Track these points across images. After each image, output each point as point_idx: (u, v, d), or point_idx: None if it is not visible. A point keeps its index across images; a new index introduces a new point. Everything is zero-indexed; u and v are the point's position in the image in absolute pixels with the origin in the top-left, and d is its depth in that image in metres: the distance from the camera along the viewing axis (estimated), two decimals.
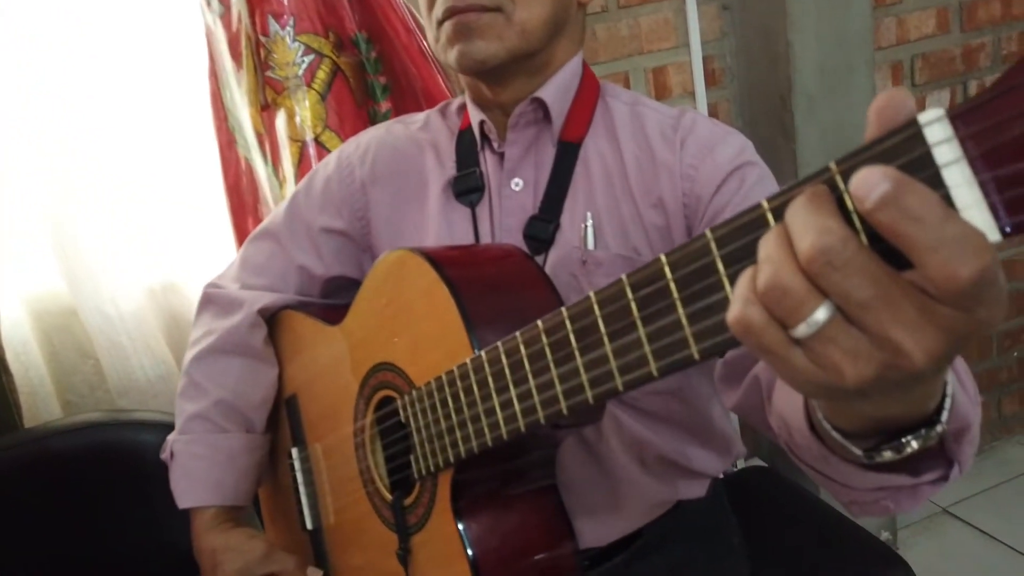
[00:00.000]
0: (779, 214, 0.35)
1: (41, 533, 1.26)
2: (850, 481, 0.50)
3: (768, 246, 0.34)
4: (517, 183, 0.84)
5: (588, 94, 0.86)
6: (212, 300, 0.97)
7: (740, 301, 0.35)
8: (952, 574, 1.86)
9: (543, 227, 0.81)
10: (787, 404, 0.53)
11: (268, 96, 1.21)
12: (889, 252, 0.32)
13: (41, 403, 1.37)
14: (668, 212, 0.79)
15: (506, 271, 0.70)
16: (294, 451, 0.92)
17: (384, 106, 1.29)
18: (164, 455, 0.92)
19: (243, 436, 0.91)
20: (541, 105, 0.83)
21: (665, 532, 0.86)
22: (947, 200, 0.31)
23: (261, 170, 1.28)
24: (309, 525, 0.90)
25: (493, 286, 0.68)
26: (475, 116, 0.87)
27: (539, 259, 0.81)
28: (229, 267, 1.00)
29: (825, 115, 1.64)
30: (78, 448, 1.29)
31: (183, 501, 0.89)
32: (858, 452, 0.43)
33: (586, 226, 0.80)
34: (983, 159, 0.30)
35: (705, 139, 0.80)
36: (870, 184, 0.30)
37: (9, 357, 1.28)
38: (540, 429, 0.54)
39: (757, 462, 1.99)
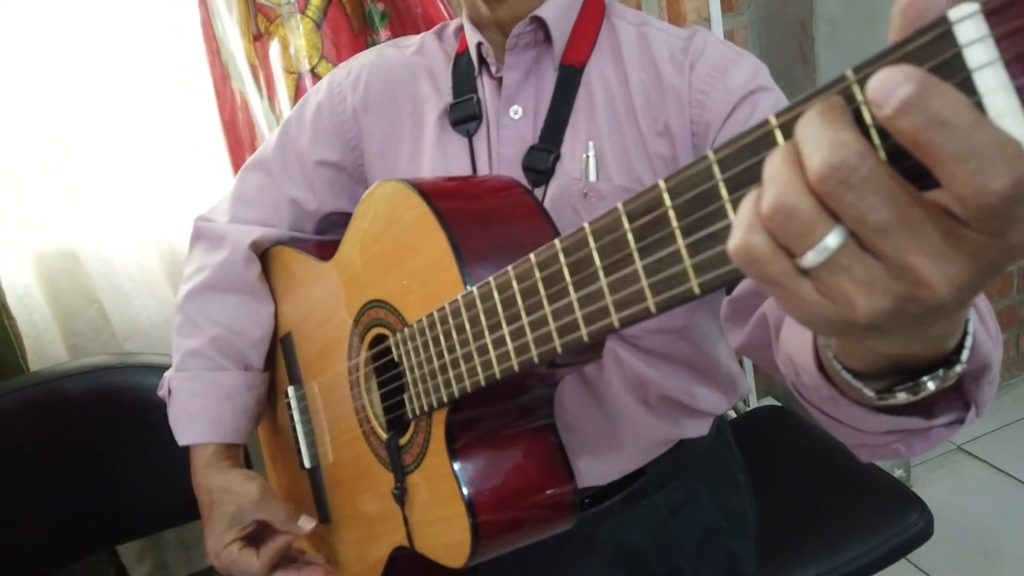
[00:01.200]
0: (788, 131, 0.31)
1: (50, 475, 1.27)
2: (860, 424, 0.47)
3: (774, 165, 0.30)
4: (516, 111, 0.79)
5: (592, 14, 0.80)
6: (202, 234, 0.94)
7: (742, 227, 0.31)
8: (967, 511, 1.85)
9: (543, 158, 0.77)
10: (795, 343, 0.50)
11: (261, 25, 1.16)
12: (911, 170, 0.28)
13: (46, 347, 1.36)
14: (675, 141, 0.75)
15: (501, 204, 0.67)
16: (290, 390, 0.91)
17: (383, 34, 1.24)
18: (162, 392, 0.91)
19: (241, 374, 0.90)
20: (541, 25, 0.78)
21: (667, 470, 0.84)
22: (979, 107, 0.27)
23: (257, 105, 1.24)
24: (307, 464, 0.89)
25: (487, 220, 0.64)
26: (472, 38, 0.81)
27: (538, 192, 0.77)
28: (221, 201, 0.97)
29: (848, 42, 1.57)
30: (87, 390, 1.29)
31: (182, 438, 0.88)
32: (870, 394, 0.40)
33: (588, 156, 0.75)
34: (1021, 61, 0.26)
35: (716, 62, 0.74)
36: (890, 86, 0.26)
37: (11, 300, 1.27)
38: (535, 368, 0.52)
39: (770, 401, 1.98)
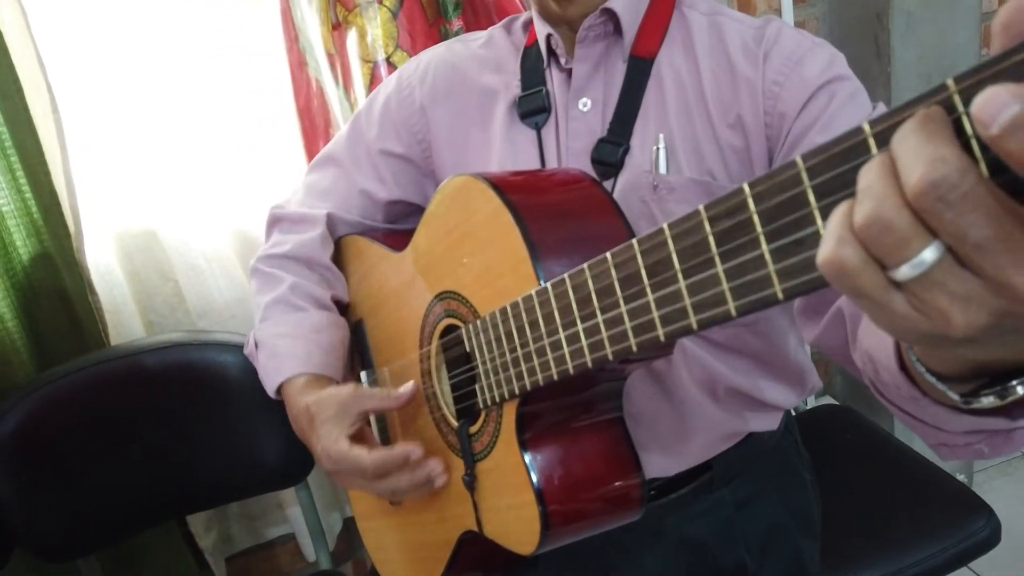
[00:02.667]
0: (883, 140, 0.31)
1: (127, 445, 1.32)
2: (942, 423, 0.47)
3: (869, 176, 0.30)
4: (585, 103, 0.79)
5: (663, 4, 0.79)
6: (280, 218, 0.97)
7: (833, 238, 0.31)
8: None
9: (612, 150, 0.77)
10: (875, 341, 0.50)
11: (339, 14, 1.19)
12: (1012, 183, 0.28)
13: (125, 322, 1.43)
14: (747, 132, 0.74)
15: (573, 198, 0.67)
16: (363, 375, 0.93)
17: (456, 24, 1.25)
18: (248, 349, 0.92)
19: (323, 312, 0.90)
20: (612, 17, 0.78)
21: (734, 465, 0.84)
22: None
23: (332, 92, 1.26)
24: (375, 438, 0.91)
25: (560, 214, 0.65)
26: (541, 30, 0.82)
27: (607, 184, 0.77)
28: (293, 193, 1.00)
29: (925, 35, 1.52)
30: (163, 366, 1.34)
31: (274, 379, 0.86)
32: (955, 397, 0.40)
33: (658, 148, 0.75)
34: None
35: (791, 51, 0.73)
36: (997, 105, 0.26)
37: (94, 278, 1.33)
38: (608, 364, 0.52)
39: (828, 400, 1.94)
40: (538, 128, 0.81)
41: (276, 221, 0.98)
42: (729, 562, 0.85)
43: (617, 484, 0.67)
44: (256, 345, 0.90)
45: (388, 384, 0.89)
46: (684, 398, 0.79)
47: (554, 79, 0.82)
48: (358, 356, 0.95)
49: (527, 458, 0.65)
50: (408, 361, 0.84)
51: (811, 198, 0.34)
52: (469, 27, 1.27)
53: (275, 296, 0.90)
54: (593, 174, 0.77)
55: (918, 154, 0.28)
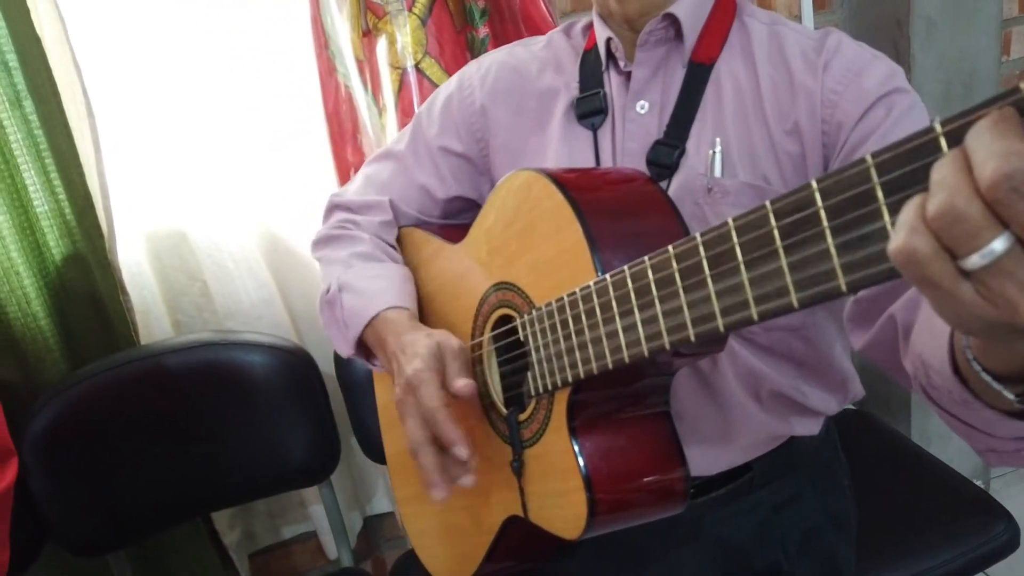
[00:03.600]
0: (954, 139, 0.33)
1: (155, 443, 1.34)
2: (992, 428, 0.48)
3: (943, 170, 0.32)
4: (643, 105, 0.81)
5: (724, 12, 0.81)
6: (340, 205, 1.00)
7: (905, 229, 0.33)
8: None
9: (667, 152, 0.78)
10: (928, 344, 0.51)
11: (369, 21, 1.21)
12: None
13: (154, 322, 1.45)
14: (804, 139, 0.75)
15: (631, 195, 0.69)
16: None
17: (482, 31, 1.27)
18: (328, 295, 0.91)
19: (401, 266, 0.92)
20: (674, 22, 0.79)
21: (775, 467, 0.85)
22: None
23: (361, 98, 1.29)
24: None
25: (618, 210, 0.67)
26: (601, 34, 0.83)
27: (662, 185, 0.78)
28: (351, 184, 1.02)
29: (945, 41, 1.54)
30: (191, 365, 1.36)
31: (368, 311, 0.85)
32: (1010, 396, 0.41)
33: (714, 152, 0.76)
34: None
35: (851, 61, 0.74)
36: None
37: (125, 278, 1.35)
38: (662, 355, 0.54)
39: (847, 406, 1.95)
40: (594, 129, 0.83)
41: (336, 208, 1.00)
42: (764, 563, 0.86)
43: (662, 476, 0.69)
44: (340, 288, 0.89)
45: None
46: (728, 399, 0.81)
47: (612, 82, 0.84)
48: None
49: (576, 445, 0.67)
50: None
51: (879, 194, 0.36)
52: (495, 34, 1.29)
53: (360, 250, 0.92)
54: (642, 171, 0.78)
55: (991, 149, 0.30)
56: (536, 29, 1.24)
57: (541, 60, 0.90)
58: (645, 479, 0.68)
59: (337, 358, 1.43)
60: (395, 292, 0.87)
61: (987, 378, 0.42)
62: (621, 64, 0.83)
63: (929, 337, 0.52)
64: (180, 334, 1.48)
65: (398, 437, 1.04)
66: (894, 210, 0.35)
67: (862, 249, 0.37)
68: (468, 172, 0.94)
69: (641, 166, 0.80)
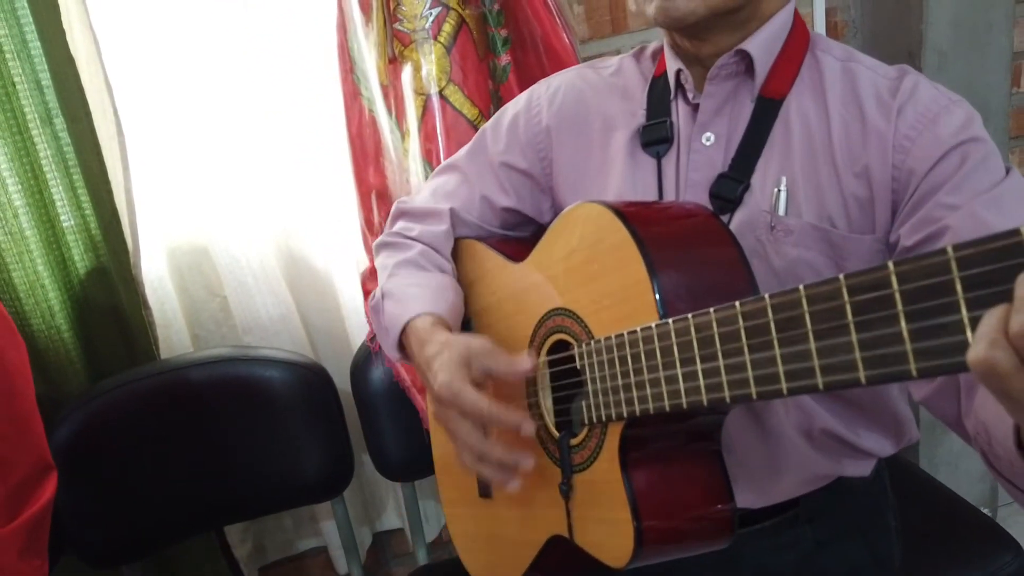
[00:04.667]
0: None
1: (173, 456, 1.34)
2: None
3: None
4: (709, 137, 0.80)
5: (797, 46, 0.79)
6: (406, 211, 1.01)
7: (986, 341, 0.33)
8: None
9: (732, 186, 0.77)
10: (993, 415, 0.52)
11: (396, 49, 1.23)
12: None
13: (174, 336, 1.46)
14: (873, 184, 0.73)
15: (697, 233, 0.70)
16: None
17: (504, 59, 1.29)
18: (373, 303, 0.94)
19: (448, 276, 0.94)
20: (745, 57, 0.78)
21: (822, 506, 0.85)
22: None
23: (384, 122, 1.30)
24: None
25: (682, 248, 0.68)
26: (672, 65, 0.83)
27: (723, 219, 0.77)
28: (419, 193, 1.03)
29: (957, 74, 1.56)
30: (210, 380, 1.37)
31: (402, 319, 0.87)
32: None
33: (779, 190, 0.75)
34: None
35: (926, 107, 0.73)
36: None
37: (147, 292, 1.36)
38: (723, 406, 0.56)
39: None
40: (659, 157, 0.82)
41: (402, 214, 1.01)
42: None
43: (710, 513, 0.71)
44: (383, 296, 0.93)
45: (491, 384, 0.92)
46: (779, 435, 0.80)
47: (680, 112, 0.83)
48: None
49: (628, 478, 0.68)
50: None
51: (958, 288, 0.38)
52: (517, 62, 1.31)
53: (405, 258, 0.94)
54: (710, 207, 0.78)
55: None
56: (557, 58, 1.26)
57: (610, 85, 0.91)
58: (692, 515, 0.70)
59: (353, 374, 1.44)
60: (429, 299, 0.88)
61: None
62: (690, 95, 0.82)
63: (995, 408, 0.52)
64: (199, 348, 1.50)
65: (444, 440, 1.05)
66: (973, 305, 0.37)
67: (936, 338, 0.39)
68: (529, 188, 0.95)
69: (704, 198, 0.80)
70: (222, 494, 1.40)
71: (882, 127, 0.73)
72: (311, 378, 1.39)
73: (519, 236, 0.98)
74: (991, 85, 1.58)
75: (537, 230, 0.89)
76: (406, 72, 1.24)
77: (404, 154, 1.31)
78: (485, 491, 0.94)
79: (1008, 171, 0.70)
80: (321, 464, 1.42)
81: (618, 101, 0.89)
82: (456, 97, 1.26)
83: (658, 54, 0.88)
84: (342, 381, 1.45)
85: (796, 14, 0.82)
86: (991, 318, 0.34)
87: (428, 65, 1.22)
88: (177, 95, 1.34)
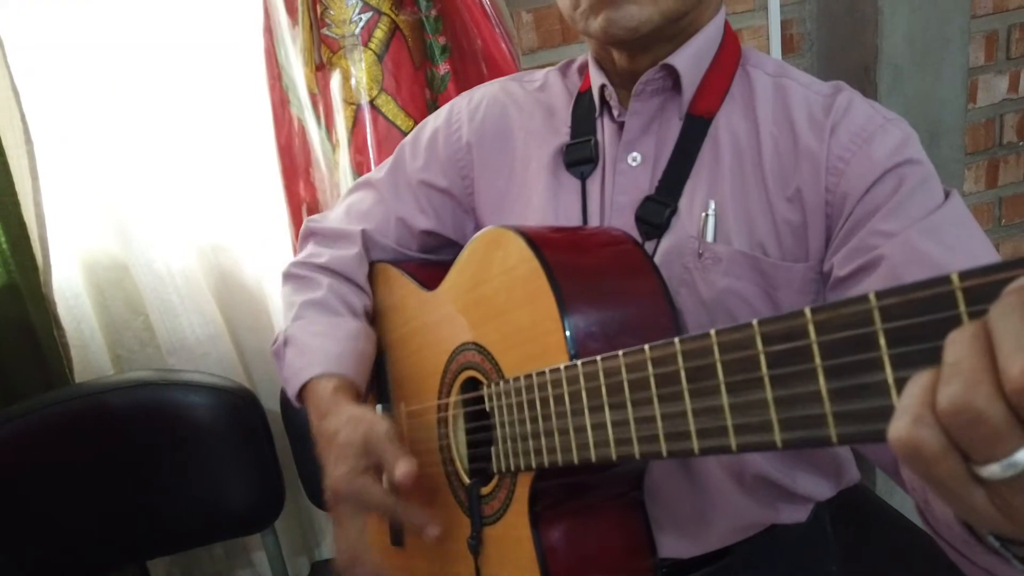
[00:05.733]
0: (973, 299, 0.29)
1: (89, 488, 1.27)
2: (995, 569, 0.45)
3: (958, 350, 0.27)
4: (635, 158, 0.75)
5: (727, 61, 0.75)
6: (315, 232, 0.95)
7: (910, 416, 0.28)
8: None
9: (658, 210, 0.73)
10: None
11: (323, 55, 1.16)
12: None
13: (92, 357, 1.37)
14: (806, 208, 0.69)
15: (614, 264, 0.64)
16: (379, 407, 0.89)
17: (442, 68, 1.23)
18: (275, 346, 0.89)
19: (357, 321, 0.88)
20: (671, 73, 0.74)
21: (755, 554, 0.80)
22: None
23: (314, 132, 1.23)
24: (385, 485, 0.88)
25: (598, 282, 0.62)
26: (596, 79, 0.78)
27: (649, 245, 0.73)
28: (332, 211, 0.98)
29: (912, 89, 1.54)
30: (129, 406, 1.29)
31: (302, 376, 0.81)
32: (1019, 567, 0.37)
33: (707, 215, 0.71)
34: None
35: (861, 126, 0.68)
36: None
37: (61, 311, 1.27)
38: (634, 462, 0.50)
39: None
40: (583, 178, 0.78)
41: (311, 234, 0.95)
42: None
43: (629, 570, 0.65)
44: (285, 342, 0.86)
45: (403, 424, 0.87)
46: (708, 481, 0.75)
47: (605, 130, 0.79)
48: (375, 386, 0.92)
49: (538, 535, 0.62)
50: (426, 407, 0.81)
51: (882, 342, 0.32)
52: (456, 72, 1.25)
53: (312, 298, 0.87)
54: (636, 232, 0.73)
55: (1022, 337, 0.25)
56: (497, 67, 1.20)
57: (534, 100, 0.86)
58: (609, 573, 0.64)
59: (284, 397, 1.37)
60: (333, 355, 0.82)
61: (994, 542, 0.37)
62: (615, 112, 0.78)
63: None
64: (121, 370, 1.42)
65: None
66: (898, 363, 0.31)
67: (858, 400, 0.33)
68: (451, 208, 0.89)
69: (630, 222, 0.75)
70: (143, 527, 1.33)
71: (815, 147, 0.69)
72: (238, 403, 1.32)
73: (439, 260, 0.92)
74: (946, 101, 1.56)
75: (458, 254, 0.83)
76: (335, 80, 1.17)
77: (335, 166, 1.24)
78: (397, 538, 0.88)
79: (947, 195, 0.66)
80: (249, 495, 1.36)
81: (542, 118, 0.84)
82: (389, 107, 1.20)
83: (585, 68, 0.84)
84: (275, 404, 1.39)
85: (727, 27, 0.77)
86: (915, 387, 0.28)
87: (358, 73, 1.16)
88: (93, 100, 1.25)
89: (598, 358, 0.52)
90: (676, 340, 0.44)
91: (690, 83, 0.74)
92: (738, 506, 0.76)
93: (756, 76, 0.75)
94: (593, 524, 0.65)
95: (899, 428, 0.28)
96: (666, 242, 0.72)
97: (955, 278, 0.29)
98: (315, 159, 1.24)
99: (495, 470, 0.67)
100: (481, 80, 1.18)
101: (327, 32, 1.15)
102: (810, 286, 0.71)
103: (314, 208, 1.26)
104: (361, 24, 1.14)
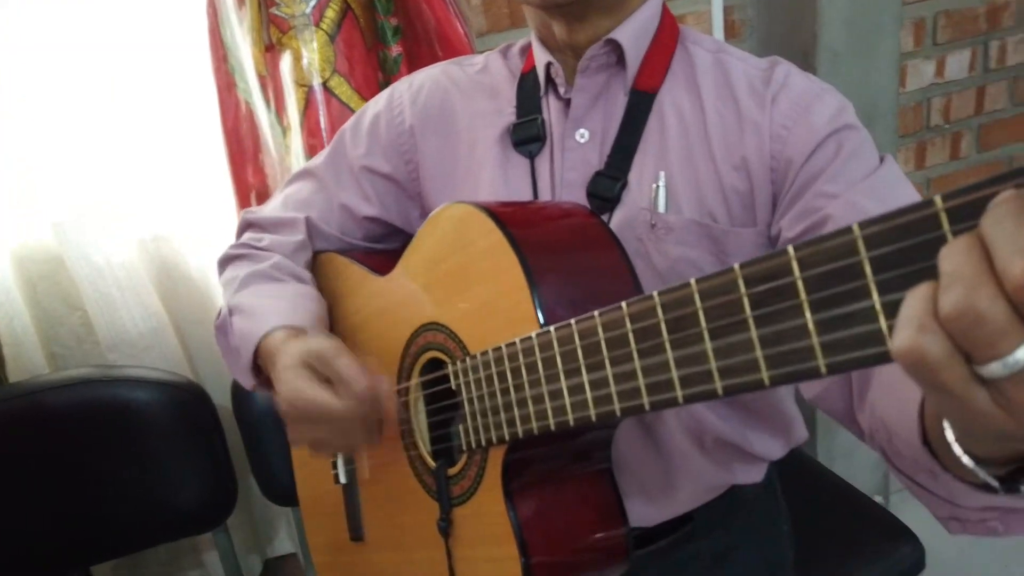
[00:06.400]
0: (957, 217, 0.30)
1: (27, 491, 1.22)
2: (957, 499, 0.46)
3: (956, 260, 0.28)
4: (582, 134, 0.77)
5: (667, 38, 0.77)
6: (253, 223, 0.92)
7: (912, 326, 0.29)
8: (942, 540, 1.88)
9: (609, 184, 0.74)
10: (894, 411, 0.49)
11: (273, 36, 1.13)
12: None
13: (26, 355, 1.30)
14: (752, 176, 0.72)
15: (576, 235, 0.64)
16: None
17: (395, 50, 1.21)
18: (219, 321, 0.85)
19: (305, 285, 0.86)
20: (616, 48, 0.75)
21: (715, 517, 0.83)
22: None
23: (263, 116, 1.20)
24: (343, 479, 0.85)
25: (562, 252, 0.62)
26: (541, 57, 0.79)
27: (603, 219, 0.74)
28: (268, 203, 0.95)
29: (849, 74, 1.58)
30: (68, 405, 1.24)
31: (254, 336, 0.78)
32: (994, 484, 0.38)
33: (657, 186, 0.72)
34: None
35: (800, 95, 0.71)
36: None
37: None
38: (613, 420, 0.50)
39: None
40: (532, 157, 0.78)
41: (249, 225, 0.92)
42: None
43: (603, 538, 0.65)
44: (231, 311, 0.83)
45: None
46: (671, 447, 0.77)
47: (551, 108, 0.79)
48: None
49: (513, 508, 0.61)
50: None
51: (867, 269, 0.33)
52: (409, 53, 1.23)
53: (257, 269, 0.85)
54: (588, 207, 0.74)
55: (1019, 241, 0.26)
56: (452, 49, 1.19)
57: (476, 83, 0.86)
58: (585, 543, 0.64)
59: (235, 391, 1.33)
60: (286, 310, 0.79)
61: (968, 461, 0.38)
62: (561, 90, 0.79)
63: (894, 404, 0.49)
64: (56, 368, 1.36)
65: (310, 479, 0.96)
66: (885, 289, 0.32)
67: (845, 329, 0.34)
68: (395, 195, 0.88)
69: (581, 198, 0.76)
70: (88, 531, 1.28)
71: (758, 117, 0.72)
72: (186, 398, 1.29)
73: (386, 249, 0.91)
74: (881, 85, 1.61)
75: (406, 242, 0.82)
76: (285, 61, 1.15)
77: (286, 150, 1.21)
78: (357, 533, 0.86)
79: (882, 159, 0.70)
80: (200, 493, 1.32)
81: (486, 99, 0.84)
82: (342, 89, 1.17)
83: (525, 51, 0.85)
84: (223, 398, 1.34)
85: (665, 8, 0.80)
86: (915, 299, 0.30)
87: (310, 54, 1.13)
88: (23, 80, 1.20)
89: (572, 321, 0.52)
90: (655, 293, 0.44)
91: (634, 58, 0.76)
92: (700, 469, 0.78)
93: (696, 53, 0.77)
94: (566, 495, 0.64)
95: (904, 339, 0.29)
96: (618, 215, 0.74)
97: (938, 200, 0.30)
98: (264, 144, 1.21)
99: (464, 448, 0.66)
100: (436, 62, 1.17)
101: (276, 12, 1.12)
102: (759, 251, 0.73)
103: (264, 194, 1.23)
104: (312, 3, 1.12)
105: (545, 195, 0.78)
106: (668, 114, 0.75)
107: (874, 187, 0.66)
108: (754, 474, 0.83)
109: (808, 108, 0.70)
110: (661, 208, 0.72)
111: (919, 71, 1.87)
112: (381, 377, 0.68)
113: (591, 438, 0.65)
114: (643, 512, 0.78)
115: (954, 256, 0.28)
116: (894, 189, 0.67)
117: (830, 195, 0.67)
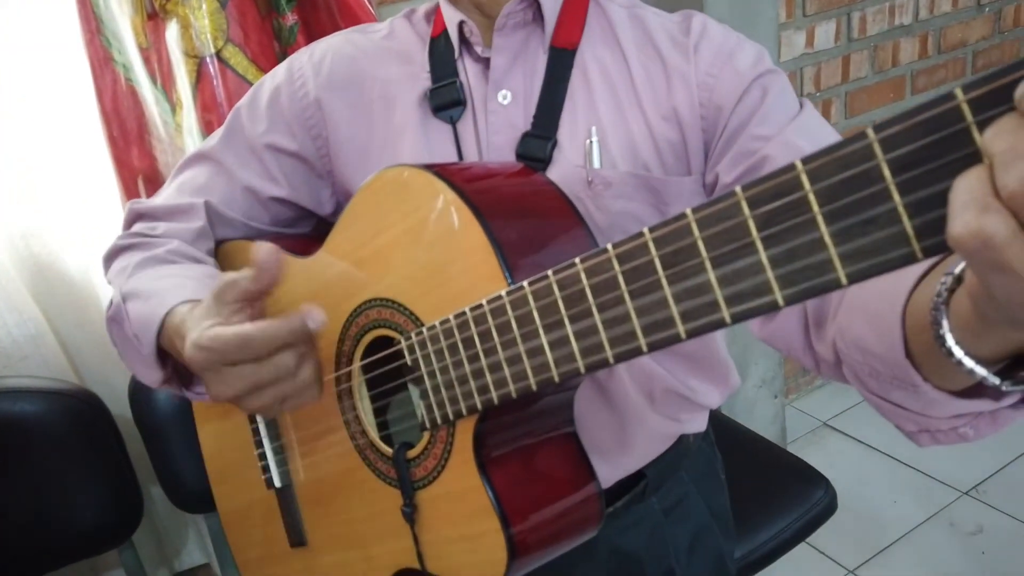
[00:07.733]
0: (979, 108, 0.30)
1: None
2: (931, 410, 0.48)
3: (1008, 139, 0.28)
4: (505, 95, 0.75)
5: None
6: (144, 213, 0.83)
7: (974, 208, 0.29)
8: (837, 481, 2.01)
9: (539, 145, 0.72)
10: (867, 329, 0.50)
11: (156, 2, 1.04)
12: None
13: None
14: (683, 125, 0.72)
15: (526, 191, 0.62)
16: (262, 427, 0.81)
17: (290, 19, 1.14)
18: (110, 312, 0.76)
19: (201, 265, 0.77)
20: (532, 4, 0.74)
21: (665, 470, 0.84)
22: None
23: (148, 92, 1.10)
24: (277, 483, 0.80)
25: (518, 209, 0.60)
26: (452, 17, 0.76)
27: None
28: (159, 192, 0.86)
29: None
30: None
31: (156, 316, 0.68)
32: (995, 380, 0.39)
33: (590, 142, 0.72)
34: None
35: (720, 43, 0.72)
36: None
37: None
38: (577, 378, 0.48)
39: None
40: (453, 122, 0.76)
41: (139, 216, 0.83)
42: (658, 570, 0.84)
43: (578, 500, 0.63)
44: (124, 299, 0.73)
45: (287, 414, 0.78)
46: (625, 403, 0.77)
47: (469, 70, 0.77)
48: None
49: (488, 479, 0.59)
50: (324, 381, 0.73)
51: (886, 172, 0.33)
52: (306, 21, 1.17)
53: (151, 255, 0.76)
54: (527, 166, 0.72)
55: None
56: (353, 17, 1.13)
57: (383, 49, 0.82)
58: (562, 506, 0.62)
59: (132, 393, 1.23)
60: (190, 287, 0.70)
61: (970, 362, 0.39)
62: (478, 50, 0.76)
63: (869, 324, 0.50)
64: None
65: (234, 490, 0.89)
66: (906, 190, 0.32)
67: (864, 236, 0.34)
68: (303, 174, 0.82)
69: (511, 160, 0.74)
70: None
71: (683, 67, 0.72)
72: (79, 407, 1.19)
73: (297, 233, 0.85)
74: None
75: (318, 225, 0.76)
76: (171, 31, 1.06)
77: (177, 129, 1.12)
78: (297, 537, 0.80)
79: (802, 103, 0.73)
80: (102, 508, 1.23)
81: (396, 65, 0.80)
82: (237, 59, 1.10)
83: (431, 15, 0.82)
84: (119, 406, 1.24)
85: None
86: (971, 182, 0.30)
87: (199, 22, 1.05)
88: None
89: (548, 272, 0.50)
90: (645, 230, 0.43)
91: (551, 15, 0.75)
92: (651, 423, 0.79)
93: (610, 8, 0.78)
94: (537, 460, 0.63)
95: (966, 222, 0.29)
96: (552, 175, 0.72)
97: (959, 92, 0.30)
98: (151, 123, 1.12)
99: (427, 425, 0.63)
100: (336, 30, 1.11)
101: None
102: (698, 198, 0.74)
103: (153, 178, 1.13)
104: None
105: (472, 159, 0.76)
106: (591, 69, 0.75)
107: (802, 126, 0.68)
108: (698, 422, 0.85)
109: (731, 55, 0.72)
110: (596, 163, 0.72)
111: (791, 41, 1.97)
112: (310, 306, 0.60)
113: (554, 400, 0.63)
114: (601, 472, 0.77)
115: (1005, 135, 0.28)
116: (822, 128, 0.70)
117: (764, 137, 0.68)
